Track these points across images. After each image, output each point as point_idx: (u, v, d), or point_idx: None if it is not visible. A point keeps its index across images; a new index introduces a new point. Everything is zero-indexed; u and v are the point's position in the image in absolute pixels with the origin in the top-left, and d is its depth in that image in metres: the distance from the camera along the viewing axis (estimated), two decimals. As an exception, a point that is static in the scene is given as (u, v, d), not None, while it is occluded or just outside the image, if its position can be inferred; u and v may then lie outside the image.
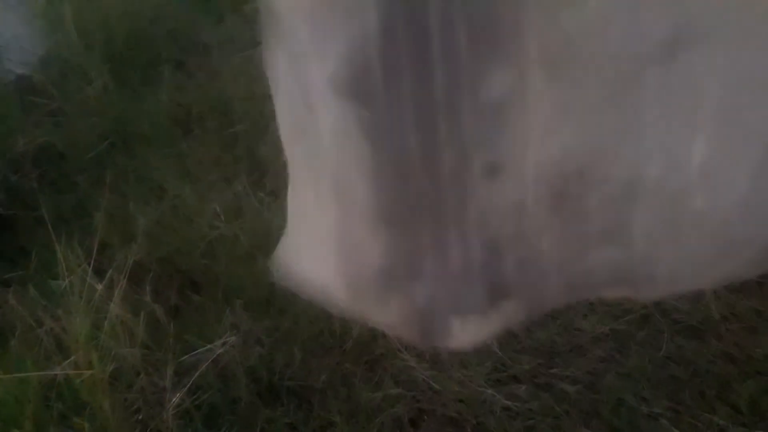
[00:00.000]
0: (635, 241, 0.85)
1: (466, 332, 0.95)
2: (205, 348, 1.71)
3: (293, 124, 0.87)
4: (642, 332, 1.77)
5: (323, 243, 0.90)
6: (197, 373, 1.65)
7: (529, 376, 1.72)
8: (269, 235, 2.09)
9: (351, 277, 0.90)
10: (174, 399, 1.58)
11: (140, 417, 1.61)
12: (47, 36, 2.93)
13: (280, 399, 1.73)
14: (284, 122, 0.89)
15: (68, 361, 1.51)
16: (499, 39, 0.74)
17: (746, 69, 0.73)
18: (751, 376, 1.63)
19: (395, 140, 0.80)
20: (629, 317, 1.81)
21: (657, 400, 1.63)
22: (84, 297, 1.57)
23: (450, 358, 1.78)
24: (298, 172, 0.91)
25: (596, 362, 1.73)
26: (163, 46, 3.07)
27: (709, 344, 1.72)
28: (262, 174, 2.34)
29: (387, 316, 0.95)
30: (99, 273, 1.84)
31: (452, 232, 0.86)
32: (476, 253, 0.87)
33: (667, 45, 0.72)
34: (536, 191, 0.82)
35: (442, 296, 0.91)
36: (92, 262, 1.71)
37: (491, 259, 0.88)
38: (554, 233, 0.85)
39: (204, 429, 1.63)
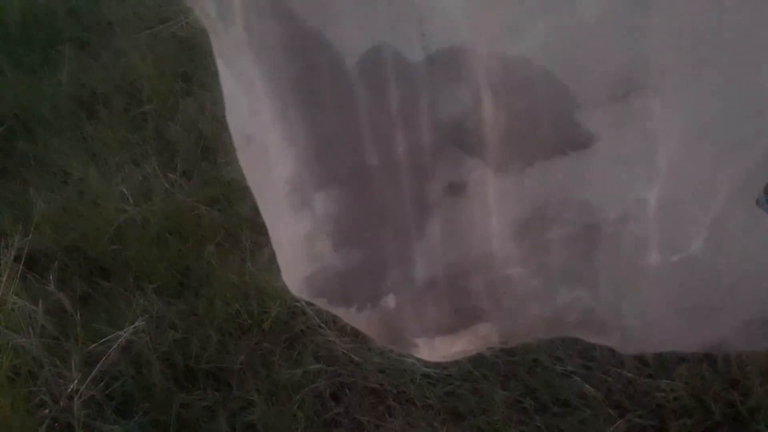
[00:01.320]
0: (601, 287, 0.82)
1: (437, 348, 0.95)
2: (114, 335, 1.64)
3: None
4: (555, 294, 1.82)
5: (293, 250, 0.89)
6: (104, 361, 1.58)
7: (448, 343, 1.73)
8: (181, 216, 2.02)
9: (317, 286, 0.90)
10: (81, 389, 1.51)
11: (47, 411, 1.53)
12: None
13: (197, 383, 1.69)
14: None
15: (-40, 356, 1.42)
16: (455, 58, 0.71)
17: (701, 116, 0.69)
18: (656, 330, 1.71)
19: (353, 156, 0.78)
20: (543, 281, 1.85)
21: (570, 358, 1.68)
22: (-28, 287, 1.47)
23: (370, 330, 1.78)
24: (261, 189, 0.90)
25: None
26: (64, 24, 2.90)
27: (617, 302, 1.78)
28: (173, 154, 2.26)
29: (356, 323, 0.95)
30: (-2, 264, 1.74)
31: (417, 248, 0.83)
32: (442, 271, 0.86)
33: (620, 86, 0.68)
34: (500, 218, 0.80)
35: (408, 311, 0.90)
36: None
37: (459, 280, 0.86)
38: (521, 263, 0.83)
39: (116, 418, 1.57)
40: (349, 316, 0.94)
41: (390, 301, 0.89)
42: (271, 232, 0.94)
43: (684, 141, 0.71)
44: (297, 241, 0.86)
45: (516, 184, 0.77)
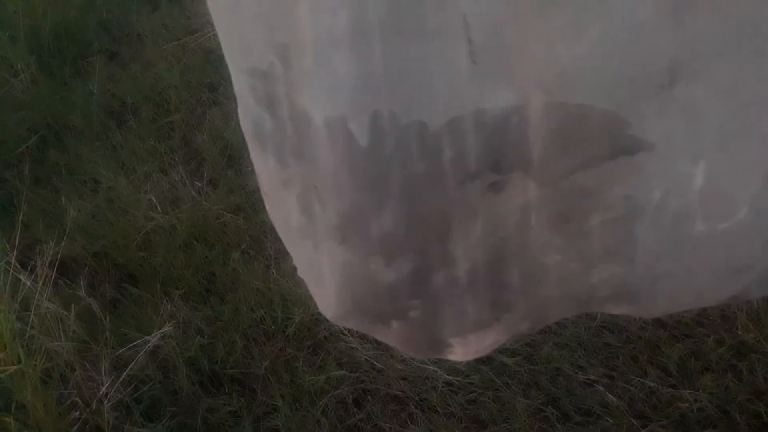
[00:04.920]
0: (638, 260, 0.85)
1: (470, 345, 0.96)
2: (142, 340, 1.67)
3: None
4: (577, 303, 1.82)
5: (334, 274, 0.90)
6: (132, 365, 1.62)
7: (470, 351, 1.74)
8: (207, 224, 2.06)
9: (365, 306, 0.91)
10: (110, 392, 1.54)
11: (77, 413, 1.57)
12: (-32, 29, 2.81)
13: (223, 387, 1.72)
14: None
15: (-4, 359, 1.47)
16: (506, 60, 0.73)
17: (745, 96, 0.73)
18: (680, 340, 1.70)
19: (402, 169, 0.79)
20: (565, 289, 1.85)
21: (592, 367, 1.68)
22: (7, 291, 1.52)
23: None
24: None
25: (534, 334, 1.76)
26: (95, 36, 2.98)
27: (640, 311, 1.77)
28: (200, 163, 2.31)
29: (389, 338, 0.96)
30: (31, 269, 1.79)
31: (459, 248, 0.85)
32: (481, 267, 0.87)
33: (666, 76, 0.72)
34: (540, 212, 0.82)
35: (448, 312, 0.91)
36: (14, 254, 1.65)
37: (496, 273, 0.88)
38: (560, 251, 0.85)
39: (144, 421, 1.61)
40: (387, 332, 0.94)
41: (432, 306, 0.90)
42: (304, 273, 0.95)
43: (729, 119, 0.74)
44: (347, 269, 0.87)
45: (560, 181, 0.79)
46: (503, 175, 0.79)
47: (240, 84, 0.85)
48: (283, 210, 0.91)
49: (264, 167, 0.89)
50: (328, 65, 0.74)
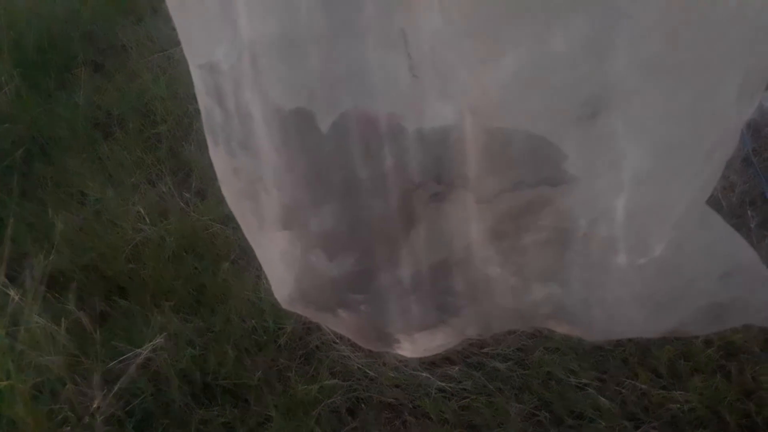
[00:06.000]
0: (572, 283, 0.88)
1: (417, 343, 0.99)
2: (132, 352, 1.66)
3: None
4: (567, 307, 1.83)
5: (281, 261, 0.94)
6: (123, 378, 1.61)
7: (462, 356, 1.75)
8: (196, 235, 2.06)
9: (310, 296, 0.95)
10: (102, 406, 1.53)
11: (69, 428, 1.56)
12: (-49, 41, 2.79)
13: (215, 399, 1.71)
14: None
15: (-15, 375, 1.45)
16: (442, 78, 0.74)
17: (658, 136, 0.74)
18: (669, 342, 1.71)
19: (344, 172, 0.82)
20: (555, 294, 1.86)
21: (584, 371, 1.69)
22: (-4, 306, 1.51)
23: (384, 345, 1.80)
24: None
25: (525, 339, 1.77)
26: (79, 48, 2.97)
27: (630, 314, 1.79)
28: (187, 174, 2.30)
29: (338, 326, 1.01)
30: (20, 284, 1.78)
31: (403, 251, 0.88)
32: (426, 271, 0.90)
33: (587, 108, 0.73)
34: (478, 225, 0.85)
35: (393, 311, 0.94)
36: (3, 269, 1.63)
37: (441, 279, 0.91)
38: (499, 264, 0.88)
39: (136, 434, 1.60)
40: (335, 321, 0.99)
41: (376, 301, 0.94)
42: (259, 254, 1.00)
43: (645, 158, 0.76)
44: (291, 258, 0.91)
45: (493, 199, 0.82)
46: (445, 187, 0.82)
47: (195, 76, 0.88)
48: (237, 197, 0.96)
49: (217, 156, 0.94)
50: (264, 67, 0.77)
